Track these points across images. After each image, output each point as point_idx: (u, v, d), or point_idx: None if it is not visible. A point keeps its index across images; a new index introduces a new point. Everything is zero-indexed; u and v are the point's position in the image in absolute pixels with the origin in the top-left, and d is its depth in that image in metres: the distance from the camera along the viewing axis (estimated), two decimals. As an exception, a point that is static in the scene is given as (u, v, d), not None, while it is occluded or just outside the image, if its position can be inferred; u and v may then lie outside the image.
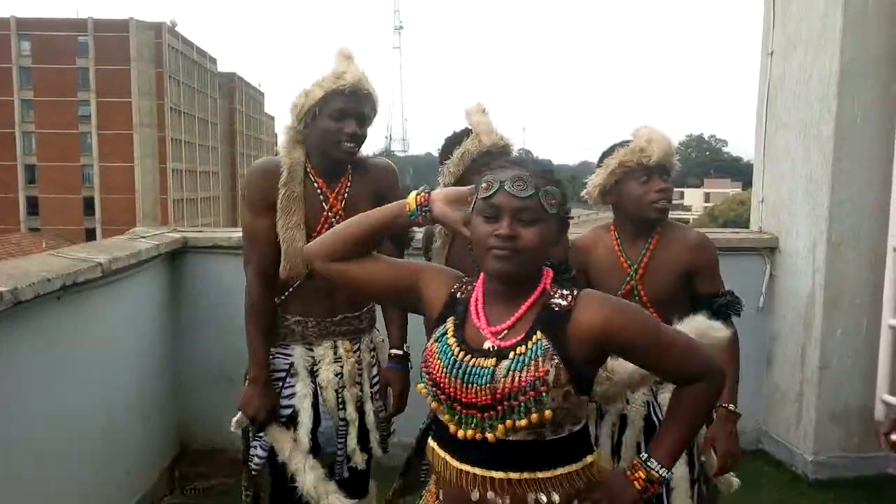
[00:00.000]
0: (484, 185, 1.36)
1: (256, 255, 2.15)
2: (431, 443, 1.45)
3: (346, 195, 2.18)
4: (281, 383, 2.16)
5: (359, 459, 2.21)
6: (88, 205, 53.55)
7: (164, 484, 3.35)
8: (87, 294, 2.54)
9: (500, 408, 1.31)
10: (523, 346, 1.33)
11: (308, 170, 2.17)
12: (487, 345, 1.36)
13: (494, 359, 1.33)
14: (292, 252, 2.09)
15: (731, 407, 2.06)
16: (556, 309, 1.35)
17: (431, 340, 1.42)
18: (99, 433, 2.69)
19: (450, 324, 1.41)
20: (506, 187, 1.32)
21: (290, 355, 2.17)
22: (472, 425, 1.34)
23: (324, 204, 2.15)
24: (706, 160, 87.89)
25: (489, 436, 1.32)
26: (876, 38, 3.28)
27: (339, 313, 2.20)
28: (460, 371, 1.34)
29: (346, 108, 2.07)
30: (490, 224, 1.33)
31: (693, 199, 67.73)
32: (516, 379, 1.30)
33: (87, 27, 52.63)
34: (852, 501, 3.30)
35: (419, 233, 2.38)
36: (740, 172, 69.02)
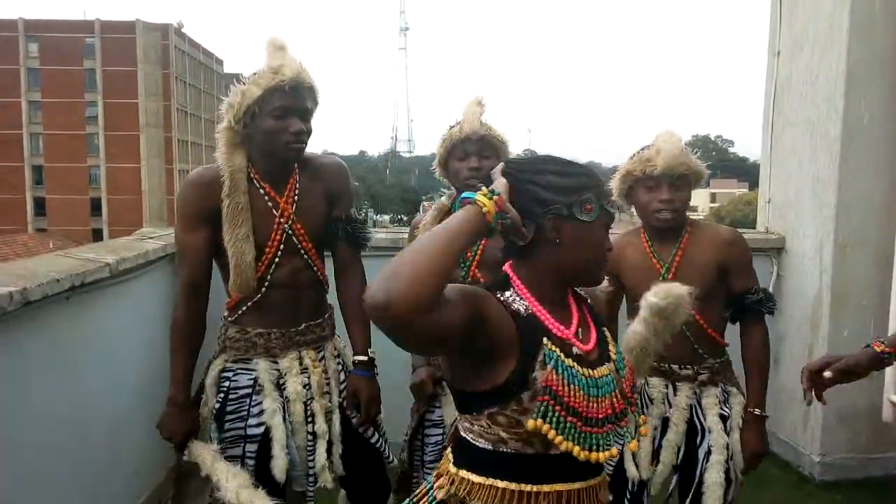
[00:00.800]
0: (591, 204, 1.30)
1: (186, 270, 2.04)
2: (495, 482, 1.28)
3: (295, 198, 2.05)
4: (248, 400, 2.05)
5: (327, 478, 2.09)
6: (95, 205, 53.72)
7: (170, 484, 3.36)
8: (95, 294, 2.55)
9: (631, 409, 1.32)
10: (609, 344, 1.36)
11: (252, 175, 2.02)
12: (576, 351, 1.30)
13: (606, 364, 1.33)
14: (242, 266, 1.98)
15: (758, 412, 2.08)
16: (589, 301, 1.42)
17: (548, 371, 1.22)
18: (106, 432, 2.69)
19: (550, 345, 1.26)
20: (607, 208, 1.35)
21: (253, 370, 2.06)
22: (600, 443, 1.26)
23: (273, 210, 2.02)
24: (713, 160, 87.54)
25: (616, 449, 1.29)
26: (883, 39, 3.27)
27: (302, 322, 2.09)
28: (596, 389, 1.28)
29: (288, 104, 1.93)
30: (603, 234, 1.34)
31: (699, 200, 67.44)
32: (629, 375, 1.34)
33: (95, 29, 52.82)
34: (860, 502, 3.29)
35: (381, 233, 2.34)
36: (747, 173, 68.83)
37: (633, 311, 2.22)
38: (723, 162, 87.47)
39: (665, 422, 2.12)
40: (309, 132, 2.01)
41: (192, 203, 2.02)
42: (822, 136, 3.45)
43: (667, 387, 2.14)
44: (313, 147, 2.11)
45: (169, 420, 2.03)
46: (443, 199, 2.29)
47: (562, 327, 1.30)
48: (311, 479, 2.10)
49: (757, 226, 4.12)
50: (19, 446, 2.10)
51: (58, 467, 2.32)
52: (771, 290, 3.77)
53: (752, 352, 2.14)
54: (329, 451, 2.12)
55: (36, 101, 53.40)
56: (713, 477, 2.02)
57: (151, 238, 3.39)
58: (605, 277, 2.27)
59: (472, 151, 2.13)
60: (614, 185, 2.18)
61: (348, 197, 2.20)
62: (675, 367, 2.13)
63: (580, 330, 1.34)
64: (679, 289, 1.67)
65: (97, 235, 47.29)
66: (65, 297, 2.31)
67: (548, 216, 1.28)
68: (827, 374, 1.78)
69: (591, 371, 1.29)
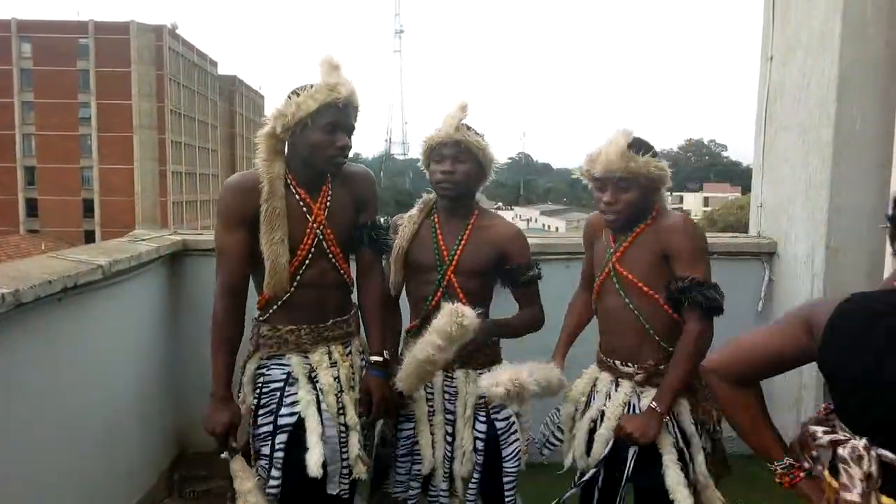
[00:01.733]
0: None
1: (225, 270, 2.11)
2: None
3: (327, 205, 2.16)
4: (279, 392, 2.12)
5: (361, 470, 2.16)
6: (88, 207, 53.50)
7: (164, 486, 3.35)
8: (87, 296, 2.54)
9: None
10: None
11: (289, 181, 2.13)
12: None
13: None
14: (277, 268, 2.07)
15: (653, 405, 2.03)
16: None
17: None
18: (99, 435, 2.69)
19: None
20: None
21: (286, 364, 2.14)
22: None
23: (307, 216, 2.13)
24: (705, 165, 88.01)
25: None
26: (875, 43, 3.29)
27: (330, 318, 2.19)
28: None
29: (339, 121, 2.06)
30: None
31: (692, 204, 67.72)
32: None
33: (88, 29, 52.64)
34: (851, 506, 3.30)
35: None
36: (739, 177, 69.09)
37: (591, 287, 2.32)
38: (716, 166, 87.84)
39: (602, 415, 2.16)
40: (351, 147, 2.15)
41: (233, 207, 2.11)
42: (815, 140, 3.46)
43: (611, 382, 2.19)
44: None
45: (211, 414, 2.11)
46: (430, 196, 2.36)
47: None
48: (344, 471, 2.15)
49: (749, 230, 4.14)
50: (11, 448, 2.10)
51: (51, 469, 2.31)
52: (763, 294, 3.80)
53: (678, 346, 2.04)
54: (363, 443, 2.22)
55: (29, 102, 53.15)
56: (673, 478, 2.01)
57: (144, 240, 3.39)
58: (586, 245, 2.37)
59: (447, 155, 2.20)
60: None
61: (374, 204, 2.31)
62: (617, 362, 2.17)
63: None
64: (465, 316, 1.86)
65: (90, 237, 47.11)
66: (57, 298, 2.30)
67: None
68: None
69: None
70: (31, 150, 53.59)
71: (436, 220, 2.30)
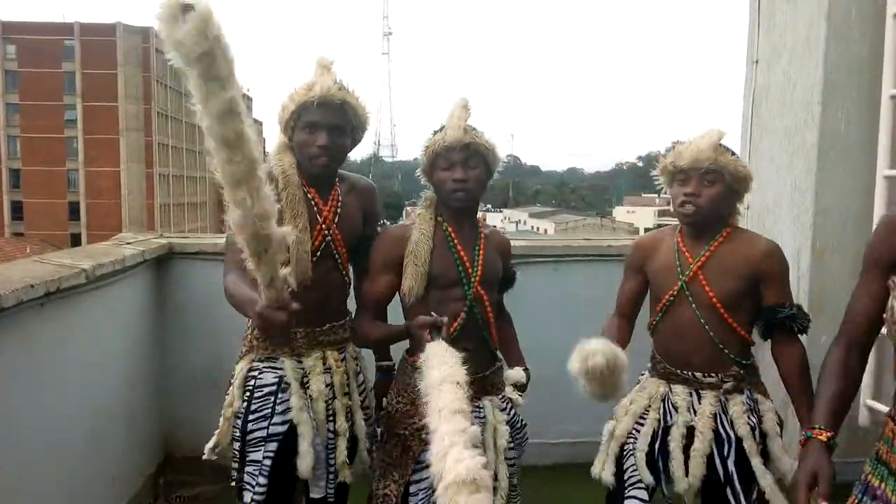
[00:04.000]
0: None
1: (234, 259, 1.96)
2: None
3: (338, 208, 2.16)
4: (273, 398, 2.09)
5: (347, 474, 2.16)
6: (74, 210, 53.08)
7: (149, 491, 3.32)
8: (71, 300, 2.51)
9: None
10: None
11: (300, 178, 2.12)
12: None
13: None
14: (300, 255, 2.04)
15: (811, 434, 1.99)
16: None
17: None
18: (83, 439, 2.66)
19: None
20: None
21: (279, 369, 2.11)
22: None
23: (317, 215, 2.12)
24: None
25: None
26: (860, 46, 3.31)
27: (327, 322, 2.17)
28: None
29: (317, 119, 2.03)
30: None
31: (680, 206, 67.90)
32: None
33: (74, 31, 52.26)
34: (837, 506, 3.32)
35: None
36: (726, 179, 69.26)
37: (652, 311, 2.23)
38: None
39: (690, 431, 2.08)
40: (341, 147, 2.11)
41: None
42: (800, 143, 3.48)
43: (691, 395, 2.11)
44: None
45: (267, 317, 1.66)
46: (429, 198, 2.17)
47: None
48: (331, 476, 2.14)
49: (736, 232, 4.16)
50: (-8, 455, 2.07)
51: (34, 474, 2.28)
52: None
53: (789, 372, 2.08)
54: (355, 448, 2.23)
55: (14, 104, 52.69)
56: (766, 482, 2.01)
57: (130, 243, 3.36)
58: (629, 268, 2.29)
59: (457, 161, 2.02)
60: (661, 179, 2.17)
61: (377, 217, 2.32)
62: (698, 374, 2.10)
63: None
64: (596, 354, 1.70)
65: (75, 240, 46.74)
66: (40, 303, 2.28)
67: None
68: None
69: None
70: (16, 152, 53.13)
71: (450, 232, 2.11)
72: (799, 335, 2.10)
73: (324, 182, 2.16)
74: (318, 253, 2.11)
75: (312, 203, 2.12)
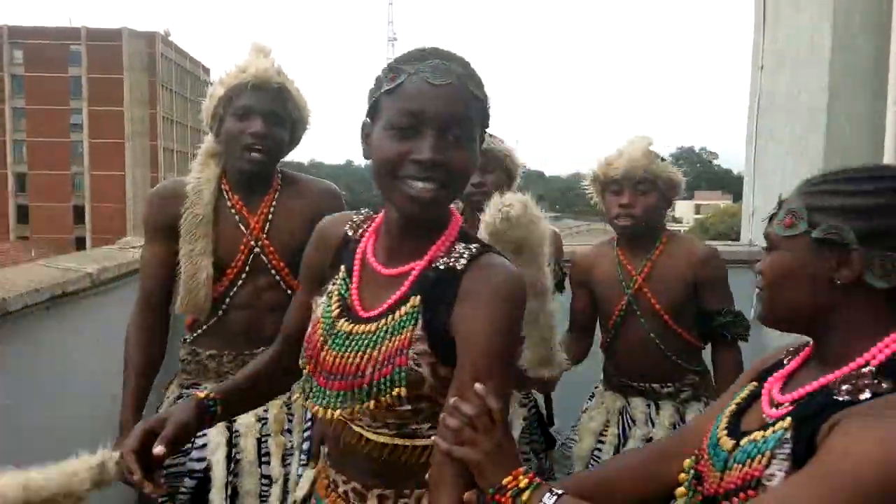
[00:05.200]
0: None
1: (141, 282, 1.94)
2: None
3: (269, 215, 1.90)
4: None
5: None
6: (79, 213, 53.29)
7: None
8: (76, 304, 2.52)
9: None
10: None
11: (223, 188, 1.89)
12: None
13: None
14: (192, 284, 1.83)
15: None
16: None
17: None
18: (85, 444, 2.66)
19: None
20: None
21: None
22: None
23: (241, 227, 1.88)
24: (697, 172, 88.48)
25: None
26: (864, 53, 3.31)
27: (260, 345, 1.82)
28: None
29: (251, 104, 1.78)
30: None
31: (684, 212, 68.03)
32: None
33: (80, 36, 52.56)
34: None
35: None
36: (731, 185, 69.41)
37: (603, 327, 2.20)
38: (707, 174, 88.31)
39: (649, 442, 2.06)
40: (279, 139, 1.84)
41: (155, 214, 1.93)
42: (805, 149, 3.48)
43: (648, 406, 2.11)
44: (300, 156, 2.02)
45: (116, 444, 1.74)
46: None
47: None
48: None
49: (741, 238, 4.15)
50: (-4, 459, 2.07)
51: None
52: (754, 301, 3.79)
53: (723, 380, 2.05)
54: (284, 500, 1.87)
55: (20, 108, 52.97)
56: None
57: (134, 247, 3.36)
58: (574, 286, 2.22)
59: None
60: (591, 190, 2.15)
61: None
62: (655, 386, 2.10)
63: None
64: (512, 206, 1.64)
65: (80, 244, 46.88)
66: (45, 307, 2.28)
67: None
68: None
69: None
70: (22, 156, 53.40)
71: None
72: (736, 342, 2.07)
73: (255, 186, 1.90)
74: (247, 269, 1.88)
75: (233, 214, 1.89)
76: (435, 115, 1.02)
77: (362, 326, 1.12)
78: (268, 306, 1.89)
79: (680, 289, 2.05)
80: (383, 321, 1.10)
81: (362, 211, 1.26)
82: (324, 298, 1.19)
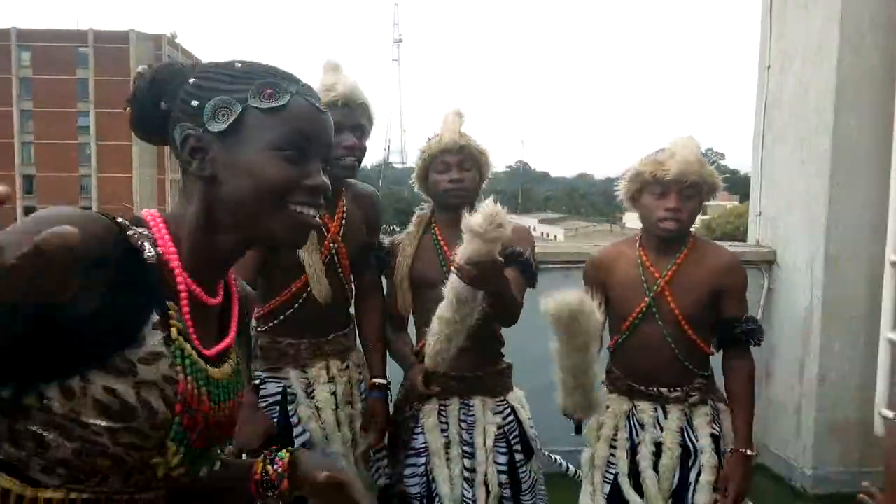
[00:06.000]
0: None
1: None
2: None
3: (343, 222, 2.11)
4: (278, 408, 2.07)
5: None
6: (86, 215, 53.51)
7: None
8: (83, 305, 2.52)
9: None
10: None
11: None
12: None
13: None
14: (319, 276, 2.03)
15: (749, 452, 2.00)
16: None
17: None
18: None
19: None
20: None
21: (283, 378, 2.09)
22: None
23: (323, 230, 2.07)
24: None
25: None
26: (872, 52, 3.29)
27: (331, 332, 2.14)
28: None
29: (341, 120, 1.94)
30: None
31: (691, 212, 67.70)
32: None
33: (88, 38, 52.81)
34: (851, 516, 3.28)
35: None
36: (738, 185, 69.01)
37: (614, 328, 2.16)
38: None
39: (658, 446, 2.04)
40: (364, 149, 2.06)
41: None
42: (813, 149, 3.46)
43: (655, 410, 2.08)
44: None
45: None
46: (424, 210, 2.23)
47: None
48: None
49: (748, 239, 4.13)
50: None
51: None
52: (762, 303, 3.79)
53: (738, 386, 2.05)
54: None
55: (28, 111, 53.29)
56: (703, 499, 1.98)
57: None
58: (588, 287, 2.12)
59: (453, 163, 2.08)
60: (623, 185, 2.08)
61: (379, 225, 2.29)
62: (664, 390, 2.07)
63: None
64: (499, 214, 1.62)
65: (88, 245, 47.04)
66: (53, 308, 2.29)
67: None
68: None
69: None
70: (30, 158, 53.70)
71: (437, 233, 2.16)
72: (752, 348, 2.08)
73: (333, 192, 2.04)
74: (325, 268, 2.08)
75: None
76: (324, 141, 0.98)
77: None
78: (335, 299, 2.10)
79: (701, 295, 2.02)
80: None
81: None
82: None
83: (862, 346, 3.39)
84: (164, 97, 0.96)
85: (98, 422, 0.82)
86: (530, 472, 2.16)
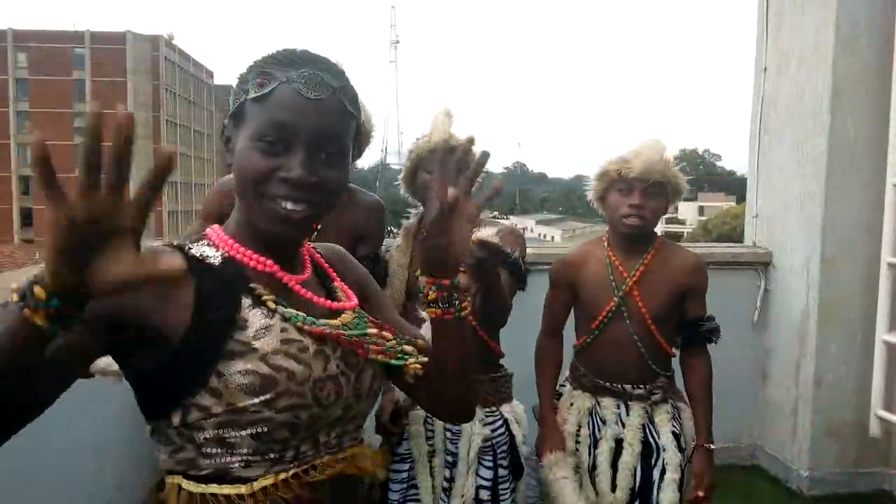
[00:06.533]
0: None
1: None
2: None
3: (315, 231, 1.99)
4: None
5: None
6: (83, 216, 53.42)
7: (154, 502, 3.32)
8: (78, 307, 2.52)
9: None
10: None
11: None
12: None
13: None
14: None
15: (710, 446, 2.05)
16: None
17: None
18: (90, 451, 2.66)
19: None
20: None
21: None
22: None
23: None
24: (700, 174, 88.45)
25: None
26: (868, 54, 3.30)
27: None
28: None
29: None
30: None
31: (687, 213, 67.94)
32: None
33: (84, 39, 52.75)
34: (848, 518, 3.29)
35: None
36: (734, 187, 69.34)
37: (582, 327, 2.18)
38: (710, 176, 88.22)
39: (619, 443, 2.06)
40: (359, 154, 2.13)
41: (215, 207, 2.11)
42: (809, 151, 3.47)
43: (618, 407, 2.10)
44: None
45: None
46: (411, 220, 2.19)
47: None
48: None
49: (744, 240, 4.14)
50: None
51: (38, 492, 2.28)
52: (758, 304, 3.80)
53: (699, 383, 2.10)
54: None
55: (24, 111, 53.17)
56: (669, 497, 1.99)
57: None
58: (556, 287, 2.20)
59: None
60: (592, 185, 2.13)
61: (377, 237, 2.19)
62: (627, 387, 2.09)
63: None
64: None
65: (84, 246, 46.95)
66: (48, 310, 2.28)
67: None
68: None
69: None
70: (27, 159, 53.53)
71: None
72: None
73: None
74: None
75: None
76: (306, 130, 0.92)
77: None
78: None
79: (668, 295, 2.07)
80: None
81: None
82: None
83: (858, 347, 3.39)
84: None
85: (251, 401, 0.89)
86: (511, 491, 2.04)
